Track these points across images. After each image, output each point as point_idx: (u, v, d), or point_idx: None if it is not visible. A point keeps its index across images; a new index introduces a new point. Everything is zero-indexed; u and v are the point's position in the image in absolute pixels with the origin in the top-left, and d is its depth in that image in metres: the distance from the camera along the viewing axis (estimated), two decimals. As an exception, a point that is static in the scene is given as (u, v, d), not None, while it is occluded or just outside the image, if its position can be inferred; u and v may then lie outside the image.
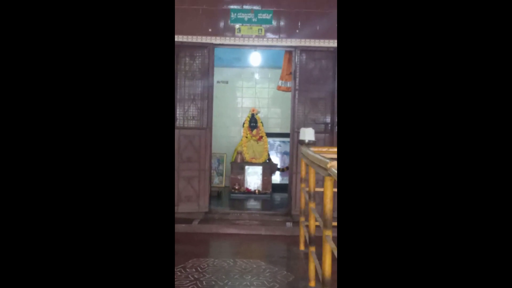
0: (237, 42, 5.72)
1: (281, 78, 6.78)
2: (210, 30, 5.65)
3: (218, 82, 7.48)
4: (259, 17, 5.65)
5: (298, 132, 5.44)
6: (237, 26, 5.67)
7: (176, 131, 5.58)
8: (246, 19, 5.65)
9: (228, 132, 8.08)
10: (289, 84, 6.50)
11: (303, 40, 5.65)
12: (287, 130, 6.72)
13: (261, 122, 7.43)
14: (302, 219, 4.56)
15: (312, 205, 3.58)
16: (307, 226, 3.74)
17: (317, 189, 3.73)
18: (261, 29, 5.67)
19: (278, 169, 7.63)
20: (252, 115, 7.35)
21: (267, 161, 7.31)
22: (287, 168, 7.12)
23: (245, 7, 5.66)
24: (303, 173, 4.50)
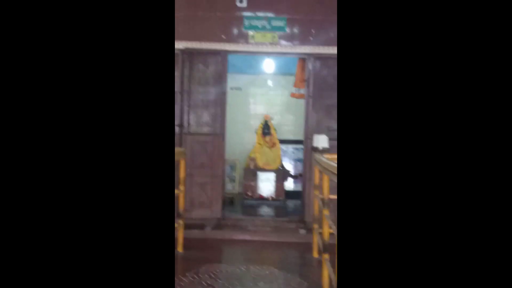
0: (250, 49, 5.73)
1: (295, 85, 6.79)
2: (223, 37, 5.68)
3: (231, 88, 7.50)
4: (272, 24, 5.67)
5: (312, 139, 5.43)
6: (250, 33, 5.69)
7: (189, 137, 5.61)
8: (260, 26, 5.67)
9: (241, 138, 8.08)
10: (302, 91, 6.50)
11: (316, 47, 5.65)
12: (301, 137, 6.71)
13: (274, 129, 7.43)
14: (315, 226, 4.54)
15: (326, 212, 3.56)
16: (321, 233, 3.72)
17: (331, 196, 3.71)
18: (275, 36, 5.69)
19: (291, 176, 7.61)
20: (265, 121, 7.35)
21: (280, 167, 7.29)
22: (301, 175, 7.10)
23: (259, 14, 5.69)
24: (316, 180, 4.49)
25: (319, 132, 5.51)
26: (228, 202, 6.86)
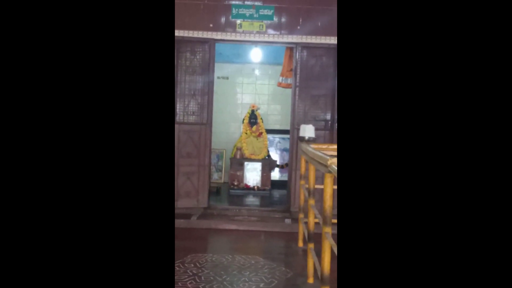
0: (238, 38, 5.70)
1: (282, 75, 6.78)
2: (211, 25, 5.63)
3: (218, 77, 7.46)
4: (260, 13, 5.64)
5: (298, 129, 5.44)
6: (238, 21, 5.65)
7: (176, 126, 5.57)
8: (247, 14, 5.63)
9: (227, 128, 8.07)
10: (289, 81, 6.49)
11: (304, 36, 5.63)
12: (287, 127, 6.71)
13: (261, 119, 7.42)
14: (301, 215, 4.56)
15: (311, 201, 3.58)
16: (306, 223, 3.74)
17: (317, 186, 3.73)
18: (262, 25, 5.66)
19: (278, 166, 7.63)
20: (252, 111, 7.34)
21: (267, 157, 7.31)
22: (287, 164, 7.12)
23: (247, 2, 5.65)
24: (302, 169, 4.50)
25: (306, 122, 5.52)
26: (215, 191, 6.86)
